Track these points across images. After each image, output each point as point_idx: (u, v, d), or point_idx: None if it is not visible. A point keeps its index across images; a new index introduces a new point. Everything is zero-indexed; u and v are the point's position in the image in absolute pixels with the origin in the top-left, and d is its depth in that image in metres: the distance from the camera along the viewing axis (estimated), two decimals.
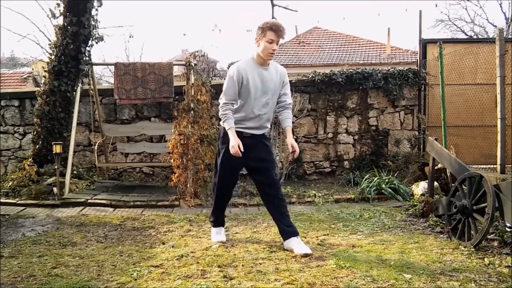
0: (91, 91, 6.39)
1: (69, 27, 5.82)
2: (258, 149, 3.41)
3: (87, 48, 6.07)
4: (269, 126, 3.52)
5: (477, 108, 6.49)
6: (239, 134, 3.30)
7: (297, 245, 3.27)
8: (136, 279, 2.80)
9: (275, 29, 3.14)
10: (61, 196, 5.38)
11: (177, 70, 8.85)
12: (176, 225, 4.29)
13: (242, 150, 3.21)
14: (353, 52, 17.20)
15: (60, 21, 5.95)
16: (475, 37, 21.04)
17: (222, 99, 3.32)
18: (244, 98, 3.31)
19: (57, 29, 5.96)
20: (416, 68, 7.19)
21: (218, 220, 3.70)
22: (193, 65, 5.86)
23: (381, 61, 15.44)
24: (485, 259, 3.11)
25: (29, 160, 6.09)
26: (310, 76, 6.99)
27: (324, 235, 3.84)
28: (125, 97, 6.14)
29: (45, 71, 6.13)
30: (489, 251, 3.28)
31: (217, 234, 3.66)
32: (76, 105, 6.07)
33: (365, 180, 5.72)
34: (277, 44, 3.18)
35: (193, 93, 5.60)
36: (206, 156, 5.38)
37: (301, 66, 15.03)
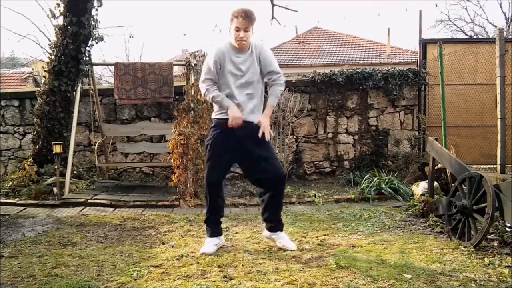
0: (91, 91, 6.39)
1: (69, 27, 5.81)
2: (251, 141, 3.22)
3: (87, 48, 6.07)
4: (258, 112, 3.30)
5: (477, 108, 6.49)
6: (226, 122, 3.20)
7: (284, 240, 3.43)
8: (136, 279, 2.80)
9: (238, 16, 3.13)
10: (61, 196, 5.38)
11: (177, 70, 8.84)
12: (176, 225, 4.29)
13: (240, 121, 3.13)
14: (353, 52, 17.21)
15: (60, 21, 5.95)
16: (475, 37, 21.03)
17: (201, 78, 3.28)
18: (224, 84, 3.24)
19: (57, 29, 5.96)
20: (416, 68, 7.19)
21: (211, 228, 3.41)
22: (193, 65, 5.86)
23: (381, 61, 15.45)
24: (485, 259, 3.11)
25: (29, 160, 6.09)
26: (310, 76, 6.99)
27: (324, 235, 3.84)
28: (125, 97, 6.14)
29: (45, 71, 6.13)
30: (489, 251, 3.28)
31: (207, 244, 3.35)
32: (76, 105, 6.06)
33: (365, 180, 5.72)
34: (245, 30, 3.13)
35: (193, 93, 5.60)
36: None
37: (301, 66, 15.03)
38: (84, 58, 6.04)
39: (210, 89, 3.26)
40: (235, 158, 3.38)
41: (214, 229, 3.42)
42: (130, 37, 18.27)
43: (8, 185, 5.76)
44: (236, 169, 5.99)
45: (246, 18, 3.12)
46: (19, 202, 5.30)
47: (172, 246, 3.54)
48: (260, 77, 3.32)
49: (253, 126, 3.22)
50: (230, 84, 3.23)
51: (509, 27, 19.24)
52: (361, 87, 6.96)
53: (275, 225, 3.44)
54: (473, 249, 3.28)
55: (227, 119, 3.20)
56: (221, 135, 3.26)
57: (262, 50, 3.30)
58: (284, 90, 6.34)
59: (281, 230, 3.46)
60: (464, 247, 3.36)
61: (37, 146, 6.07)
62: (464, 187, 3.71)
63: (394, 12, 48.45)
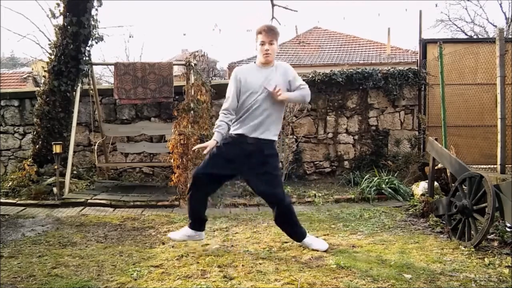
0: (91, 91, 6.39)
1: (69, 27, 5.82)
2: (256, 159, 3.28)
3: (87, 48, 6.07)
4: (274, 130, 3.36)
5: (477, 108, 6.49)
6: (243, 138, 3.28)
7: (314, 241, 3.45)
8: (136, 279, 2.80)
9: (261, 31, 3.33)
10: (61, 196, 5.38)
11: (177, 70, 8.87)
12: (176, 225, 4.29)
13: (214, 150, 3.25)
14: (353, 52, 17.20)
15: (60, 21, 5.96)
16: (475, 37, 21.01)
17: (223, 105, 3.38)
18: (245, 97, 3.31)
19: (57, 29, 5.96)
20: (416, 68, 7.19)
21: (191, 220, 3.44)
22: (193, 65, 5.86)
23: (381, 61, 15.45)
24: (485, 259, 3.11)
25: (29, 160, 6.09)
26: (310, 76, 6.98)
27: (324, 235, 3.84)
28: (125, 97, 6.14)
29: (45, 71, 6.13)
30: (489, 251, 3.28)
31: (180, 231, 3.47)
32: (76, 105, 6.07)
33: (365, 180, 5.72)
34: (270, 44, 3.29)
35: (193, 93, 5.60)
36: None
37: (301, 66, 15.03)
38: (84, 58, 6.04)
39: (220, 126, 3.32)
40: (237, 170, 3.38)
41: (195, 223, 3.42)
42: (130, 37, 18.32)
43: (8, 185, 5.77)
44: None
45: (270, 31, 3.32)
46: (19, 202, 5.31)
47: (172, 246, 3.54)
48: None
49: (261, 144, 3.29)
50: (250, 94, 3.28)
51: (509, 27, 19.22)
52: (361, 87, 6.96)
53: (296, 236, 3.45)
54: (473, 249, 3.28)
55: (238, 134, 3.29)
56: (229, 145, 3.32)
57: (290, 70, 3.43)
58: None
59: (305, 237, 3.43)
60: (464, 247, 3.36)
61: (37, 146, 6.07)
62: (464, 187, 3.71)
63: (394, 12, 48.48)
